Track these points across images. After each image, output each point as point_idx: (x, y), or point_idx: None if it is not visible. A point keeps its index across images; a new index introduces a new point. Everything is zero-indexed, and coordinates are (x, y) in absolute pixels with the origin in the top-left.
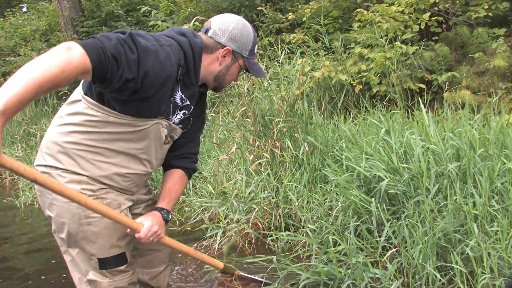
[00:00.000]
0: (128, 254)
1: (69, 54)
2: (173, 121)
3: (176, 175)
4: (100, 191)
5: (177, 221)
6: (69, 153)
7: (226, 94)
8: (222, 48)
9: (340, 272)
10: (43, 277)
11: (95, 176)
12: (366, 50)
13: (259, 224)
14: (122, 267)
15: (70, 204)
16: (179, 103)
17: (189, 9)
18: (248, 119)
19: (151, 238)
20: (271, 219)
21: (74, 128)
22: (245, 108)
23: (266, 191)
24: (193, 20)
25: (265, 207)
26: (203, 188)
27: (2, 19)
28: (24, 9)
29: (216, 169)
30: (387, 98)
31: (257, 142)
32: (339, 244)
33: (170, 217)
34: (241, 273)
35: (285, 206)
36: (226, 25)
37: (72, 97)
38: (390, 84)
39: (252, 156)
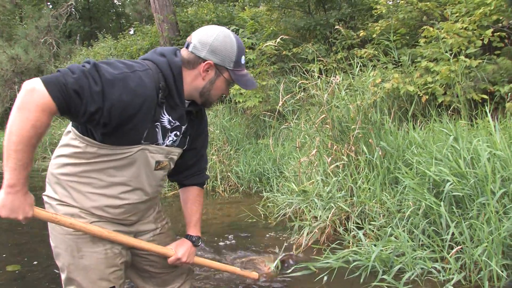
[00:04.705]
0: None
1: (32, 100)
2: (165, 144)
3: (193, 193)
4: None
5: (262, 215)
6: (63, 184)
7: (306, 103)
8: (204, 62)
9: (397, 260)
10: None
11: (86, 208)
12: (432, 63)
13: (336, 221)
14: None
15: (65, 235)
16: (168, 126)
17: (271, 28)
18: (327, 125)
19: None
20: (347, 216)
21: (66, 160)
22: (324, 115)
23: (343, 191)
24: (279, 38)
25: (342, 205)
26: (285, 186)
27: (115, 41)
28: (131, 32)
29: (297, 170)
30: (451, 107)
31: (335, 146)
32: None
33: (200, 242)
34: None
35: (360, 205)
36: (206, 38)
37: (67, 127)
38: (455, 95)
39: (330, 158)
